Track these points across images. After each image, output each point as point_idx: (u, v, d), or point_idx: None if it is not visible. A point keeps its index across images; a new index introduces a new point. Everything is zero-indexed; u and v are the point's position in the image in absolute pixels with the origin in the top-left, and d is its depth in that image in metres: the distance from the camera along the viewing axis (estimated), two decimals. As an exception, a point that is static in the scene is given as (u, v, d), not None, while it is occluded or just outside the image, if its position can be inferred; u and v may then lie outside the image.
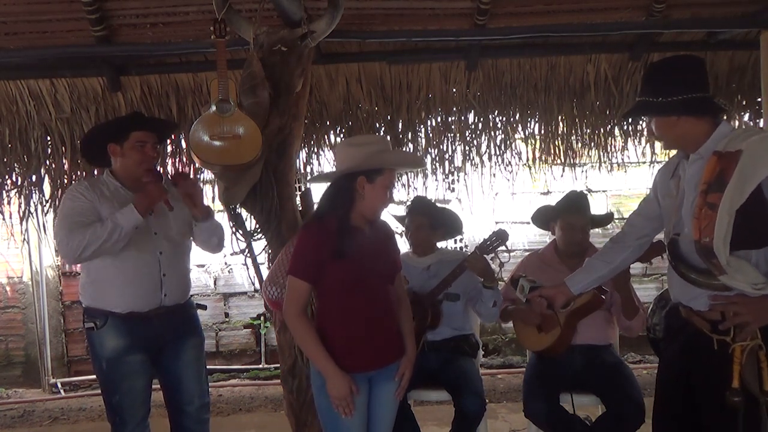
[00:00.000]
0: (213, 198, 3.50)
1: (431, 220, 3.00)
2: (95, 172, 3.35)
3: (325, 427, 2.17)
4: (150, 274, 2.44)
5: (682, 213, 1.91)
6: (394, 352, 2.20)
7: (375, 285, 2.13)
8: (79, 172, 3.47)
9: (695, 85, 1.86)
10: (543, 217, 3.07)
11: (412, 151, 3.65)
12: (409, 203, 3.17)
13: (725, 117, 1.95)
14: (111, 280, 2.42)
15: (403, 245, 2.99)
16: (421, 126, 3.63)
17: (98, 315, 2.43)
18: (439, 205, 3.16)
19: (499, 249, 2.82)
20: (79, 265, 3.33)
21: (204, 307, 2.78)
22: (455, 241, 3.23)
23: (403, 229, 3.11)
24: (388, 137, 3.55)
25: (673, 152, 2.14)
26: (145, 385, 2.49)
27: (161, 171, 3.40)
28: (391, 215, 3.23)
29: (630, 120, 3.65)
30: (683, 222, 1.91)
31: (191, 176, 2.92)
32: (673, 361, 2.08)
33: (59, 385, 4.89)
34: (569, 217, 2.90)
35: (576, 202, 2.95)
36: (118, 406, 2.45)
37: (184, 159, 3.53)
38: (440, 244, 3.10)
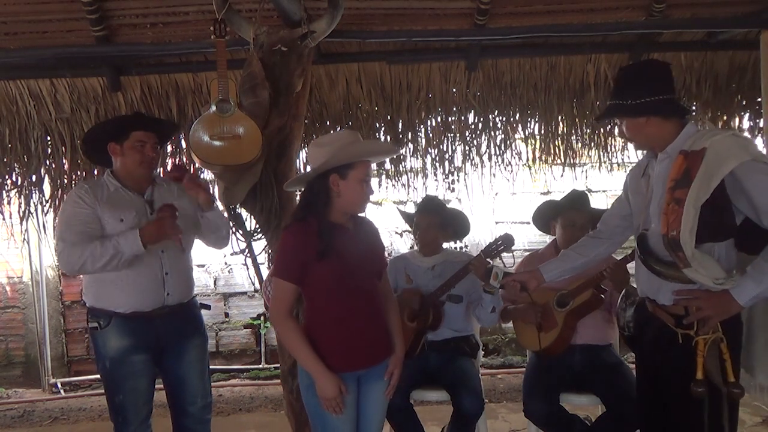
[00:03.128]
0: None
1: (441, 220, 3.00)
2: (95, 172, 3.36)
3: (314, 426, 2.15)
4: (153, 273, 2.44)
5: (650, 209, 2.01)
6: (383, 351, 2.18)
7: (361, 282, 2.11)
8: (79, 172, 3.47)
9: (662, 88, 1.98)
10: (544, 215, 3.07)
11: (412, 151, 3.65)
12: (419, 202, 3.16)
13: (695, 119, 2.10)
14: (114, 280, 2.41)
15: (405, 244, 2.99)
16: (421, 126, 3.63)
17: (102, 315, 2.43)
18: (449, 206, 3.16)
19: (504, 254, 2.83)
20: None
21: (208, 307, 2.76)
22: (455, 241, 3.23)
23: (408, 228, 3.10)
24: (388, 137, 3.56)
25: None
26: (148, 385, 2.49)
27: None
28: (399, 212, 3.23)
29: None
30: (651, 218, 2.00)
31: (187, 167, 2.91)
32: (644, 355, 2.17)
33: (59, 385, 4.89)
34: (571, 213, 2.91)
35: (578, 199, 2.96)
36: (121, 406, 2.45)
37: (184, 159, 3.53)
38: (444, 245, 3.10)
